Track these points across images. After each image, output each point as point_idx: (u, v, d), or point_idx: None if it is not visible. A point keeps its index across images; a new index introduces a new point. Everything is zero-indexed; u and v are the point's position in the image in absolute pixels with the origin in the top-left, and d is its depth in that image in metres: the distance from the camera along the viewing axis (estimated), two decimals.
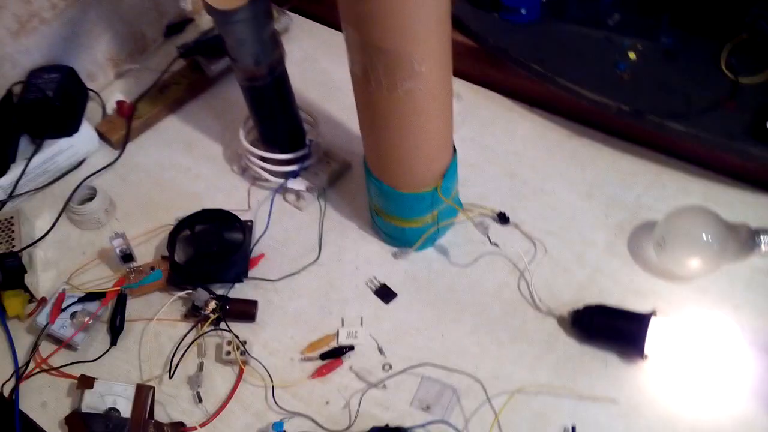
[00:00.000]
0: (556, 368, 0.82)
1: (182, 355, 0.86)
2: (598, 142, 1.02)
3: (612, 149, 1.01)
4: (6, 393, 0.85)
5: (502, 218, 0.95)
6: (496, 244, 0.86)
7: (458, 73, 0.92)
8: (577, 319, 0.83)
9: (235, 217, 0.95)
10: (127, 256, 0.93)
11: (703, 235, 0.83)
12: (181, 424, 0.81)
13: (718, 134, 0.89)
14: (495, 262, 0.92)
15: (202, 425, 0.81)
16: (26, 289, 0.92)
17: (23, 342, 0.90)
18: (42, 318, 0.87)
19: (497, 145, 1.05)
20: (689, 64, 0.96)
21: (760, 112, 0.88)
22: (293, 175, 1.00)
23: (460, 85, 1.10)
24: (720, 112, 0.90)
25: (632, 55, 1.00)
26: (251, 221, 0.97)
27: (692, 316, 0.82)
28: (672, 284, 0.87)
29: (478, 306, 0.88)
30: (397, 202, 0.87)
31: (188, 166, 1.09)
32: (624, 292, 0.87)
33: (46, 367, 0.87)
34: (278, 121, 0.98)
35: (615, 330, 0.81)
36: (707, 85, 0.93)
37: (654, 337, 0.78)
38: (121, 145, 1.11)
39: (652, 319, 0.78)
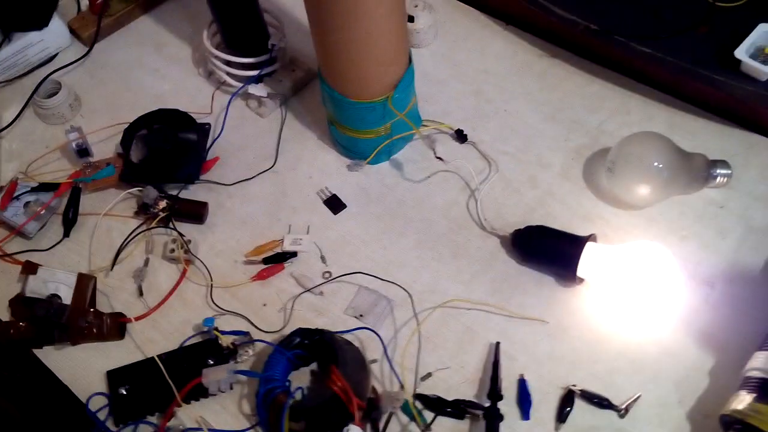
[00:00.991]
0: (491, 286, 0.82)
1: (124, 247, 0.88)
2: (568, 64, 0.99)
3: (582, 72, 0.98)
4: None
5: (460, 135, 0.94)
6: (441, 158, 0.85)
7: None
8: (518, 239, 0.82)
9: (191, 118, 0.94)
10: (83, 151, 0.94)
11: (654, 162, 0.81)
12: (120, 315, 0.83)
13: (686, 59, 0.86)
14: (448, 180, 0.91)
15: (140, 317, 0.83)
16: None
17: None
18: None
19: (467, 62, 1.02)
20: None
21: (731, 39, 0.85)
22: (255, 80, 0.99)
23: None
24: (691, 37, 0.87)
25: None
26: (209, 124, 0.97)
27: (634, 244, 0.81)
28: (621, 211, 0.85)
29: (424, 222, 0.88)
30: (347, 111, 0.86)
31: (156, 67, 1.08)
32: (571, 216, 0.86)
33: None
34: (239, 24, 0.96)
35: (551, 251, 0.80)
36: (682, 6, 0.89)
37: (589, 261, 0.77)
38: (92, 43, 1.10)
39: (589, 244, 0.77)
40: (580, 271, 0.77)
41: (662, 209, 0.85)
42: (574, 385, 0.73)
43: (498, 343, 0.77)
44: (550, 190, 0.89)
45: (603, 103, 0.95)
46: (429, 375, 0.76)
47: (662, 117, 0.92)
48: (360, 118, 0.86)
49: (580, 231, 0.82)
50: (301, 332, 0.75)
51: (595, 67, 0.98)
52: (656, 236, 0.83)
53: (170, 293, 0.85)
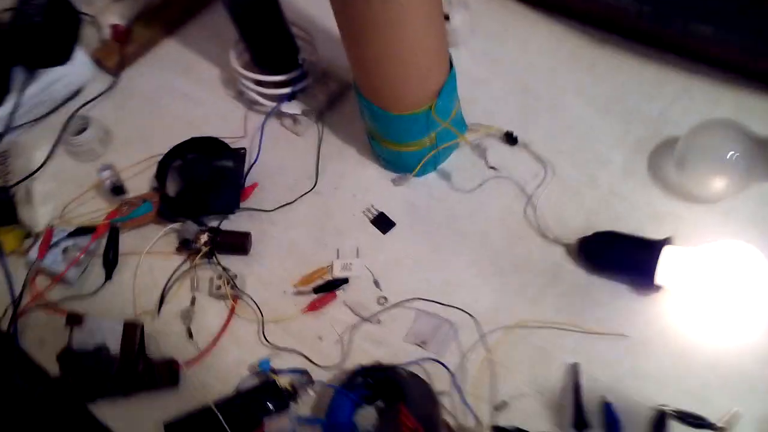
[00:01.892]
0: (560, 301, 0.76)
1: (169, 287, 0.84)
2: (618, 51, 0.92)
3: (634, 58, 0.91)
4: (4, 327, 0.85)
5: (510, 138, 0.88)
6: (494, 168, 0.79)
7: None
8: (586, 248, 0.76)
9: (225, 145, 0.90)
10: (117, 189, 0.91)
11: (729, 152, 0.74)
12: (172, 361, 0.79)
13: (751, 36, 0.78)
14: (501, 186, 0.85)
15: (192, 362, 0.79)
16: (21, 224, 0.90)
17: (22, 278, 0.88)
18: (33, 253, 0.86)
19: (508, 58, 0.96)
20: None
21: None
22: (288, 98, 0.94)
23: None
24: (753, 12, 0.79)
25: None
26: (244, 149, 0.93)
27: (713, 243, 0.74)
28: (694, 206, 0.79)
29: (480, 235, 0.83)
30: (389, 125, 0.81)
31: (185, 91, 1.04)
32: (640, 217, 0.80)
33: (41, 303, 0.86)
34: (267, 40, 0.91)
35: (625, 258, 0.74)
36: None
37: (668, 266, 0.71)
38: (117, 72, 1.07)
39: (666, 247, 0.71)
40: (659, 278, 0.71)
41: (739, 201, 0.78)
42: (665, 405, 0.67)
43: (576, 364, 0.71)
44: (613, 189, 0.82)
45: (661, 89, 0.88)
46: (505, 404, 0.70)
47: (729, 99, 0.85)
48: (403, 130, 0.81)
49: (652, 232, 0.76)
50: (363, 371, 0.71)
51: (649, 51, 0.91)
52: (736, 231, 0.76)
53: (220, 333, 0.81)
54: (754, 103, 0.83)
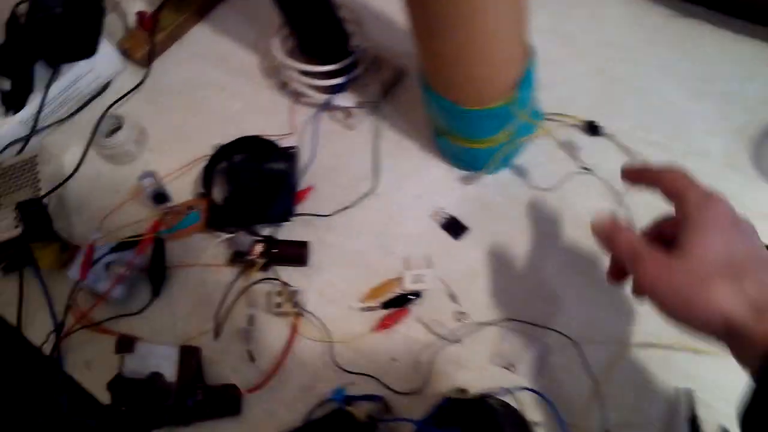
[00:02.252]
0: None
1: (226, 307, 0.77)
2: (708, 23, 0.83)
3: (727, 31, 0.82)
4: (47, 351, 0.78)
5: (592, 129, 0.79)
6: (588, 169, 0.70)
7: None
8: None
9: (275, 145, 0.82)
10: (160, 196, 0.83)
11: None
12: (233, 387, 0.72)
13: None
14: (586, 183, 0.77)
15: (254, 388, 0.72)
16: (57, 237, 0.83)
17: (63, 296, 0.81)
18: (74, 272, 0.78)
19: (582, 35, 0.87)
20: None
21: None
22: (339, 89, 0.85)
23: None
24: None
25: None
26: (296, 147, 0.84)
27: None
28: None
29: (566, 239, 0.74)
30: (462, 121, 0.72)
31: (222, 83, 0.96)
32: (751, 217, 0.71)
33: (86, 324, 0.79)
34: (316, 26, 0.82)
35: None
36: None
37: None
38: (147, 64, 0.98)
39: None
40: None
41: None
42: None
43: (690, 390, 0.63)
44: (714, 184, 0.73)
45: (761, 67, 0.79)
46: None
47: None
48: (479, 126, 0.72)
49: (764, 235, 0.68)
50: (449, 404, 0.63)
51: (743, 24, 0.81)
52: None
53: (284, 355, 0.74)
54: None
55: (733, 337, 0.45)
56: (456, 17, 0.59)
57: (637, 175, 0.55)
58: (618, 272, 0.55)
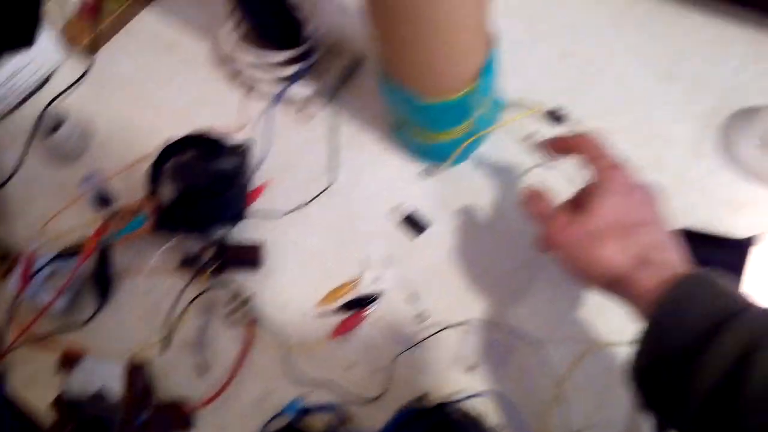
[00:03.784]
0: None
1: (175, 315, 0.73)
2: (676, 3, 0.79)
3: (695, 11, 0.78)
4: None
5: (555, 117, 0.75)
6: (551, 158, 0.66)
7: None
8: None
9: (223, 141, 0.77)
10: (104, 200, 0.78)
11: None
12: (183, 403, 0.69)
13: None
14: (550, 173, 0.73)
15: (207, 402, 0.68)
16: None
17: (2, 310, 0.76)
18: (13, 284, 0.74)
19: (545, 16, 0.83)
20: None
21: None
22: (294, 78, 0.81)
23: None
24: None
25: None
26: (247, 143, 0.80)
27: None
28: None
29: (529, 232, 0.71)
30: (421, 113, 0.68)
31: (171, 74, 0.91)
32: (715, 205, 0.68)
33: (29, 339, 0.74)
34: (266, 10, 0.77)
35: (703, 263, 0.63)
36: None
37: (756, 271, 0.60)
38: (91, 54, 0.93)
39: (753, 249, 0.60)
40: (747, 286, 0.61)
41: None
42: None
43: None
44: (681, 173, 0.71)
45: (729, 48, 0.76)
46: None
47: None
48: (438, 118, 0.69)
49: (731, 224, 0.66)
50: (408, 414, 0.60)
51: (711, 3, 0.78)
52: None
53: (238, 365, 0.70)
54: None
55: (624, 287, 0.50)
56: (414, 3, 0.55)
57: (560, 145, 0.62)
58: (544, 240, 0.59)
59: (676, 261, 0.51)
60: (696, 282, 0.47)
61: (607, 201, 0.53)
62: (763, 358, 0.41)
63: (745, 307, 0.44)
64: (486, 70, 0.65)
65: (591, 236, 0.52)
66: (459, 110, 0.67)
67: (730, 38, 0.76)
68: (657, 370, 0.46)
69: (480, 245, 0.72)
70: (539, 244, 0.60)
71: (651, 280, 0.48)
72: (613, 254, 0.51)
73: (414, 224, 0.74)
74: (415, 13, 0.56)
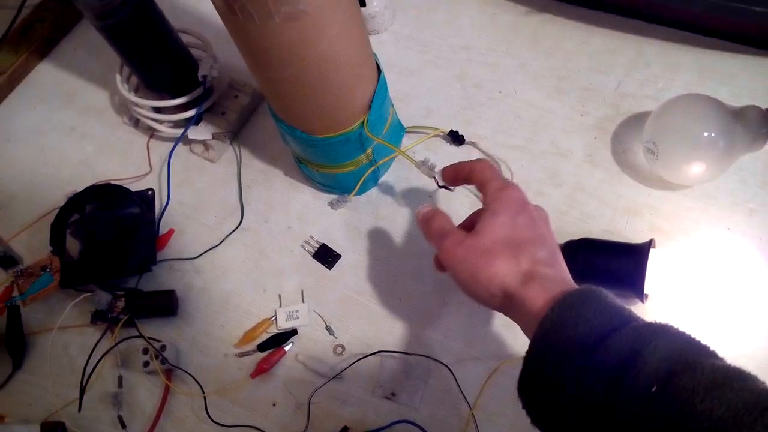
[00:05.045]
0: None
1: (90, 371, 0.71)
2: (562, 18, 0.82)
3: (580, 24, 0.81)
4: None
5: (455, 138, 0.77)
6: (447, 188, 0.68)
7: None
8: None
9: (126, 190, 0.77)
10: (7, 260, 0.76)
11: (704, 132, 0.65)
12: None
13: None
14: (455, 195, 0.75)
15: None
16: None
17: None
18: None
19: (440, 40, 0.85)
20: None
21: None
22: (194, 121, 0.81)
23: None
24: None
25: None
26: (152, 189, 0.79)
27: (698, 234, 0.67)
28: (669, 193, 0.70)
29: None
30: (316, 149, 0.69)
31: (71, 124, 0.89)
32: (612, 212, 0.71)
33: None
34: (156, 62, 0.77)
35: (606, 271, 0.65)
36: None
37: (656, 273, 0.62)
38: None
39: (652, 252, 0.63)
40: (647, 288, 0.63)
41: (719, 181, 0.70)
42: None
43: None
44: (578, 183, 0.73)
45: (614, 58, 0.79)
46: None
47: (689, 62, 0.76)
48: (334, 153, 0.69)
49: (629, 228, 0.68)
50: None
51: (594, 15, 0.81)
52: (719, 216, 0.68)
53: (157, 418, 0.69)
54: (716, 62, 0.75)
55: (512, 304, 0.51)
56: (282, 49, 0.56)
57: (453, 174, 0.62)
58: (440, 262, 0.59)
59: (564, 276, 0.53)
60: (580, 299, 0.47)
61: (497, 220, 0.54)
62: (645, 366, 0.42)
63: (628, 322, 0.45)
64: (374, 101, 0.66)
65: (481, 253, 0.53)
66: (352, 143, 0.68)
67: (614, 48, 0.79)
68: (540, 386, 0.47)
69: (391, 271, 0.73)
70: (435, 263, 0.61)
71: (538, 296, 0.49)
72: (502, 270, 0.52)
73: (326, 256, 0.74)
74: (291, 61, 0.57)
